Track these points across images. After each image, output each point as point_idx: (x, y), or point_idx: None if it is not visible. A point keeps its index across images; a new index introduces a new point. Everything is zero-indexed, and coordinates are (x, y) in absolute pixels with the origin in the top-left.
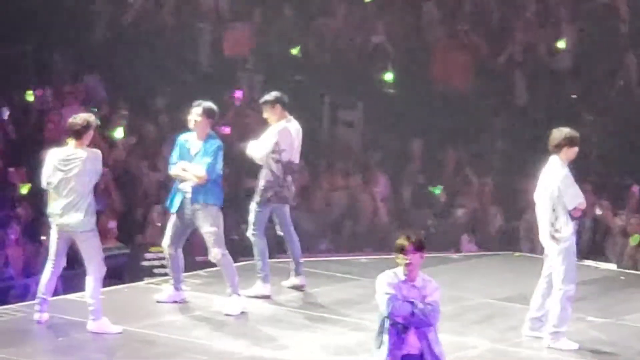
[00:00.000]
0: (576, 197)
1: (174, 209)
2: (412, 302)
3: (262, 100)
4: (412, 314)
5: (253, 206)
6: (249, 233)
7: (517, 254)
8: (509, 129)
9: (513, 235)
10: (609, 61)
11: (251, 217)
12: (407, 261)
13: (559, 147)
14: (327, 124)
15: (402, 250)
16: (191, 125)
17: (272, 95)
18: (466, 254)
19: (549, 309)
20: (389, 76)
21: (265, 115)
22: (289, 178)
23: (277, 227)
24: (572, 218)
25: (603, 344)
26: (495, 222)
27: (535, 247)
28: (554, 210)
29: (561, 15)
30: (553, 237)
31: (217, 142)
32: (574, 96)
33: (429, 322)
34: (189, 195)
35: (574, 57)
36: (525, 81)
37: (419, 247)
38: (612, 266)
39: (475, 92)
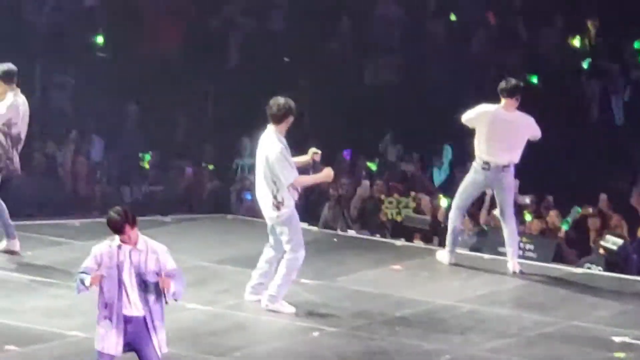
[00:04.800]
0: (290, 174)
1: None
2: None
3: None
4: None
5: None
6: None
7: (229, 216)
8: (222, 92)
9: (225, 198)
10: (322, 25)
11: None
12: (124, 240)
13: (277, 118)
14: (39, 88)
15: (117, 231)
16: None
17: None
18: (178, 217)
19: (275, 273)
20: (100, 39)
21: None
22: (15, 151)
23: None
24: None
25: (317, 306)
26: (208, 185)
27: (246, 210)
28: (274, 182)
29: None
30: (277, 208)
31: None
32: (287, 59)
33: None
34: None
35: (288, 19)
36: (238, 44)
37: (132, 223)
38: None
39: (187, 55)
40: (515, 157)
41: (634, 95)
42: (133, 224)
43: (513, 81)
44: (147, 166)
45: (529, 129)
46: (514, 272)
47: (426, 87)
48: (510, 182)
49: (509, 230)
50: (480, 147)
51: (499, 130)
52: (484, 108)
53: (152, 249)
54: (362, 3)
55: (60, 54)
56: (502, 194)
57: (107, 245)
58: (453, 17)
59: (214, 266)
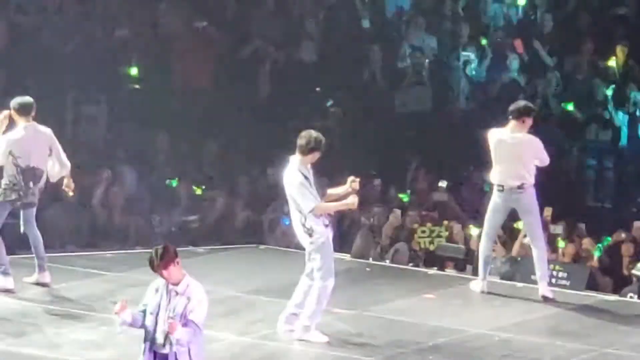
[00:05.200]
0: (309, 202)
1: None
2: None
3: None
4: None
5: None
6: None
7: (262, 246)
8: (253, 122)
9: (258, 228)
10: (353, 53)
11: None
12: (164, 279)
13: (304, 150)
14: (70, 119)
15: (154, 270)
16: None
17: (13, 101)
18: (211, 248)
19: (306, 303)
20: (134, 70)
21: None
22: (31, 184)
23: (20, 225)
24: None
25: (350, 335)
26: (240, 215)
27: (279, 240)
28: (300, 211)
29: (305, 6)
30: (309, 235)
31: None
32: (318, 89)
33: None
34: None
35: (319, 49)
36: (269, 74)
37: (166, 263)
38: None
39: (218, 86)
40: (527, 178)
41: None
42: (167, 264)
43: (521, 103)
44: (175, 184)
45: (533, 151)
46: (545, 297)
47: (456, 115)
48: (529, 202)
49: (538, 253)
50: (494, 170)
51: (503, 153)
52: (492, 133)
53: (188, 293)
54: (393, 32)
55: (91, 84)
56: (524, 216)
57: (158, 281)
58: (484, 41)
59: (247, 296)
